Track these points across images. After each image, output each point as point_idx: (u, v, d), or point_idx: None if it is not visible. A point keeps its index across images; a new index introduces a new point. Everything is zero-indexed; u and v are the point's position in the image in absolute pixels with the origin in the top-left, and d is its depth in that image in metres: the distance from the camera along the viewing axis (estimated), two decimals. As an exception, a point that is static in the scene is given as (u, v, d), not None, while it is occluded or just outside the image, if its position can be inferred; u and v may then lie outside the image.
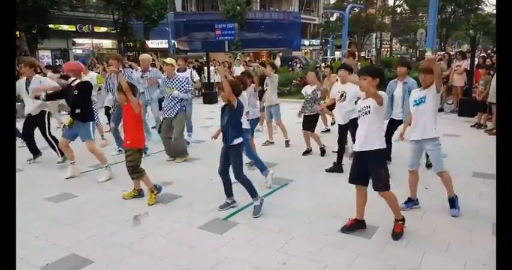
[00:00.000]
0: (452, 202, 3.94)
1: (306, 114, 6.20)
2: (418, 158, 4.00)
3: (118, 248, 3.38)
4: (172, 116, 5.97)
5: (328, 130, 8.11)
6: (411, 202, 4.09)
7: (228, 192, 4.18)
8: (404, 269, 2.97)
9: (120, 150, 6.59)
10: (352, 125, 5.23)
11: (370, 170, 3.42)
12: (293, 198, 4.47)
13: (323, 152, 6.29)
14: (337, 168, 5.41)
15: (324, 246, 3.33)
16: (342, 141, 5.51)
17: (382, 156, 3.44)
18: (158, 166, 5.78)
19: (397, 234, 3.42)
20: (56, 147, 5.94)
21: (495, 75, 7.66)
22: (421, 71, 3.86)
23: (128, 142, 4.27)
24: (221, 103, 4.24)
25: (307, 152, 6.39)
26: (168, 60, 6.11)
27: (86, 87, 5.24)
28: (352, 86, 4.72)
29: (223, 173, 4.10)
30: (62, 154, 5.82)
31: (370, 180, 3.47)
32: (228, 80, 3.94)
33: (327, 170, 5.42)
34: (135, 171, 4.29)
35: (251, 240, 3.46)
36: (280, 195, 4.58)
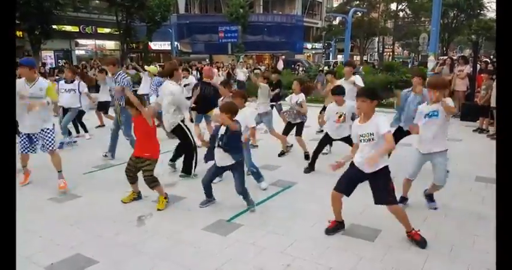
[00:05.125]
0: (431, 197, 4.21)
1: (292, 122, 6.26)
2: (419, 168, 4.06)
3: (122, 249, 3.40)
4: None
5: (322, 131, 8.12)
6: (405, 200, 4.21)
7: (209, 194, 4.38)
8: (407, 272, 2.98)
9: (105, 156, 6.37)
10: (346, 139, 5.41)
11: (377, 185, 3.36)
12: (297, 201, 4.48)
13: (307, 157, 6.15)
14: (311, 169, 5.65)
15: (327, 249, 3.34)
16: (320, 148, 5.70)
17: (388, 170, 3.37)
18: (161, 168, 5.78)
19: (419, 241, 3.34)
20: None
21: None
22: (429, 87, 3.83)
23: (146, 154, 4.24)
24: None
25: (283, 154, 6.57)
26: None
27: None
28: (347, 106, 5.25)
29: (209, 183, 4.29)
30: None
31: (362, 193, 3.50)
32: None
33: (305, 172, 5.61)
34: (152, 181, 4.27)
35: (255, 242, 3.47)
36: (284, 198, 4.60)
